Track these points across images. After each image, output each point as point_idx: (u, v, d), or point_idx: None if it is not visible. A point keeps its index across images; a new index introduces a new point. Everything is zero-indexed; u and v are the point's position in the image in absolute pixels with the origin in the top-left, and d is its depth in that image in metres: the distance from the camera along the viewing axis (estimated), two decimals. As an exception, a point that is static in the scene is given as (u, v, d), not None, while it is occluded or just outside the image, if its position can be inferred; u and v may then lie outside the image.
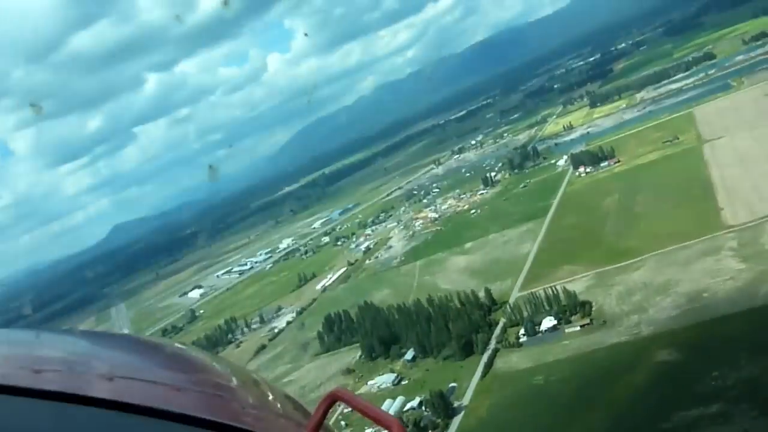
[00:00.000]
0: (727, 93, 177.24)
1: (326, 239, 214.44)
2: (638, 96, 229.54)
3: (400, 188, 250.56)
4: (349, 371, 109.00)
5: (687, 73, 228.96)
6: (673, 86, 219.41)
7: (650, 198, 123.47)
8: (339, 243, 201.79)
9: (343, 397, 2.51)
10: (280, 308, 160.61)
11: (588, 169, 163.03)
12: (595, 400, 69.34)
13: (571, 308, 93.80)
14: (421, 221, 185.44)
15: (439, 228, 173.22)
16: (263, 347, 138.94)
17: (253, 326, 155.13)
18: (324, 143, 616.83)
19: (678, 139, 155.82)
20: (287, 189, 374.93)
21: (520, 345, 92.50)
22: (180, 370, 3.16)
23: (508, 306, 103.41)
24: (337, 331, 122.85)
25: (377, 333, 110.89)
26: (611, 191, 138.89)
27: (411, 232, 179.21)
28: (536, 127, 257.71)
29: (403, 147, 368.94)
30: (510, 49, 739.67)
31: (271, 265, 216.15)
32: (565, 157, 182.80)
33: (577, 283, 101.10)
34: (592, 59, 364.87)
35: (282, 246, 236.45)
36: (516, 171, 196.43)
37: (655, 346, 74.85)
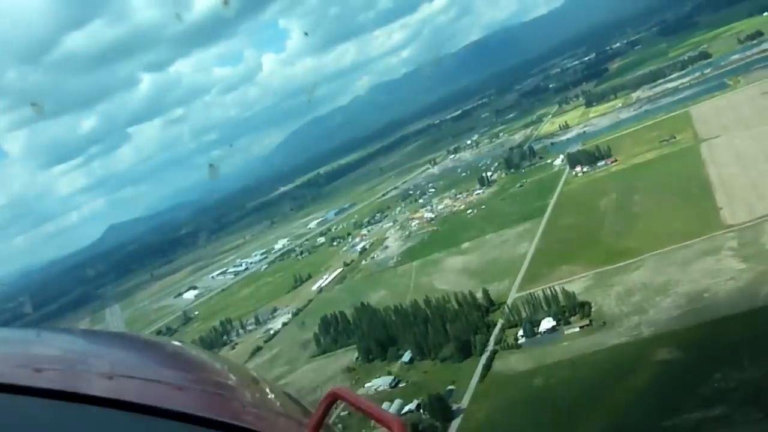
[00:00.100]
0: (723, 92, 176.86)
1: (322, 240, 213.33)
2: (634, 95, 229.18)
3: (395, 188, 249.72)
4: (349, 369, 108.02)
5: (683, 72, 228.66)
6: (669, 85, 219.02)
7: (648, 197, 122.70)
8: (335, 243, 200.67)
9: (343, 396, 2.53)
10: (275, 309, 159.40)
11: (585, 169, 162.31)
12: (597, 403, 68.44)
13: (570, 309, 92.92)
14: (417, 221, 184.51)
15: (435, 228, 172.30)
16: (259, 349, 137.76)
17: (249, 328, 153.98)
18: (319, 143, 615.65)
19: (675, 138, 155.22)
20: (282, 189, 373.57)
21: (518, 346, 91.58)
22: (180, 368, 3.17)
23: (506, 307, 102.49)
24: (333, 332, 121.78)
25: (374, 334, 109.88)
26: (608, 191, 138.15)
27: (407, 233, 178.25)
28: (532, 127, 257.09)
29: (398, 147, 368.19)
30: (505, 49, 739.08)
31: (266, 266, 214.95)
32: (562, 156, 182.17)
33: (576, 283, 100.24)
34: (587, 59, 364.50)
35: (277, 246, 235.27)
36: (512, 170, 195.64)
37: (656, 348, 73.97)
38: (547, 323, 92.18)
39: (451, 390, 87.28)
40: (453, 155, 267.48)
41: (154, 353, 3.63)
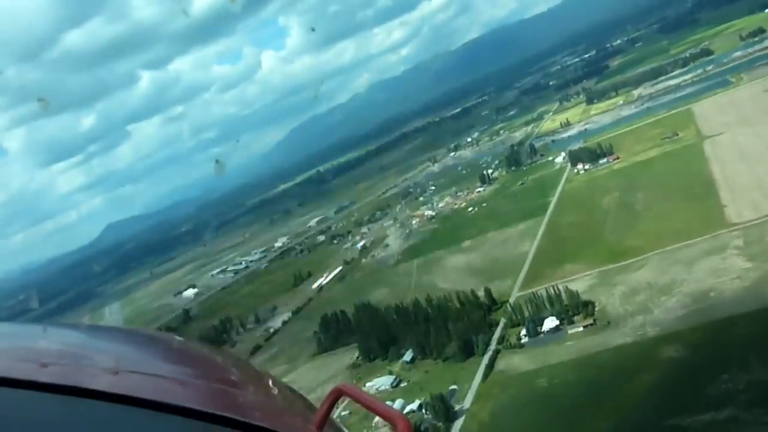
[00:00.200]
0: (726, 89, 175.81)
1: (322, 238, 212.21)
2: (635, 92, 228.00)
3: (396, 186, 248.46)
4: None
5: (684, 69, 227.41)
6: (671, 82, 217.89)
7: (651, 195, 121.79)
8: (335, 241, 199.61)
9: (348, 392, 2.54)
10: (275, 308, 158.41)
11: (586, 166, 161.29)
12: (602, 404, 67.56)
13: (573, 308, 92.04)
14: (417, 219, 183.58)
15: (436, 226, 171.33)
16: (259, 348, 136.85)
17: (249, 326, 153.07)
18: (319, 141, 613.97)
19: (677, 135, 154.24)
20: (282, 187, 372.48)
21: (521, 346, 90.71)
22: (185, 364, 3.19)
23: (508, 306, 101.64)
24: (334, 331, 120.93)
25: (375, 333, 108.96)
26: (611, 188, 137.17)
27: (408, 231, 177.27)
28: (532, 124, 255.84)
29: (398, 145, 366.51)
30: (504, 47, 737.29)
31: (266, 264, 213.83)
32: (563, 154, 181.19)
33: (579, 282, 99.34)
34: (587, 56, 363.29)
35: (277, 245, 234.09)
36: (513, 168, 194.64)
37: (662, 348, 73.10)
38: (550, 322, 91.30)
39: (454, 390, 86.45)
40: (453, 153, 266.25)
41: (159, 348, 3.56)
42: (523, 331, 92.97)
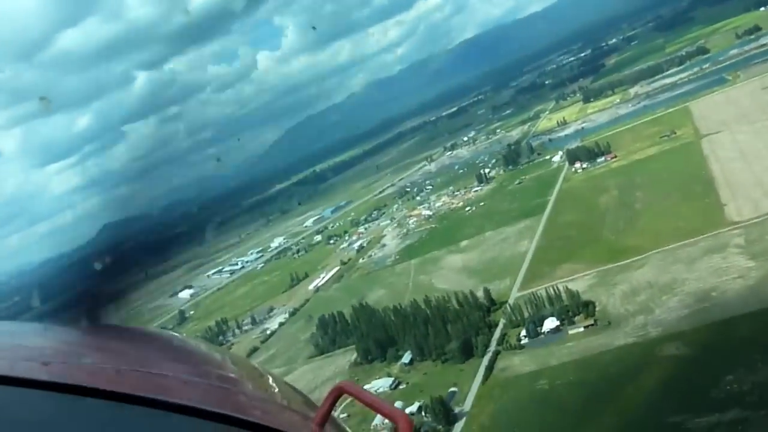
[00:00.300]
0: (723, 87, 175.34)
1: (318, 238, 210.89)
2: (632, 91, 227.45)
3: (392, 185, 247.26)
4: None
5: (681, 67, 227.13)
6: (667, 81, 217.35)
7: (650, 194, 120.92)
8: (331, 241, 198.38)
9: (349, 391, 2.56)
10: (272, 309, 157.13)
11: (584, 165, 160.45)
12: (605, 406, 66.53)
13: (573, 308, 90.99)
14: (414, 219, 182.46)
15: (433, 226, 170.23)
16: (255, 349, 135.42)
17: (245, 328, 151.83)
18: (315, 141, 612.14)
19: (675, 133, 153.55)
20: (278, 187, 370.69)
21: (521, 347, 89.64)
22: (186, 362, 3.20)
23: (507, 306, 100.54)
24: (331, 332, 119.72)
25: (373, 335, 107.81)
26: (609, 187, 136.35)
27: (405, 230, 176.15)
28: (529, 123, 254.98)
29: (394, 144, 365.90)
30: (500, 46, 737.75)
31: (262, 265, 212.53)
32: (560, 152, 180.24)
33: (579, 282, 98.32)
34: (582, 55, 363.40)
35: (273, 245, 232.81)
36: (510, 167, 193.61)
37: (665, 349, 72.11)
38: (550, 323, 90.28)
39: (453, 392, 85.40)
40: (450, 152, 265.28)
41: (161, 347, 3.59)
42: (523, 332, 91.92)
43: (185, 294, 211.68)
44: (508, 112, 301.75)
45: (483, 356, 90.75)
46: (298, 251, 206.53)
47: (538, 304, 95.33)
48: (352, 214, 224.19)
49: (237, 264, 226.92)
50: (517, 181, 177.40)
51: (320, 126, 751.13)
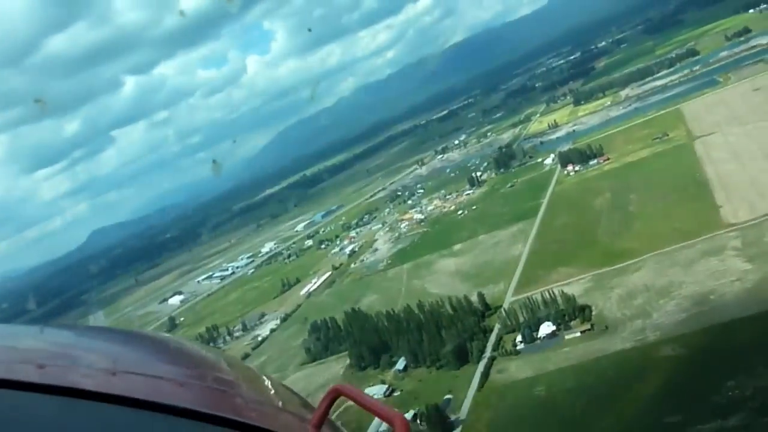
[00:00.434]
0: (714, 89, 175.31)
1: (310, 242, 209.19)
2: (623, 93, 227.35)
3: (383, 189, 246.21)
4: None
5: (671, 69, 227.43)
6: (658, 83, 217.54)
7: (644, 196, 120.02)
8: (323, 246, 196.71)
9: (346, 392, 2.56)
10: (263, 315, 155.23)
11: (577, 168, 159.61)
12: (603, 413, 65.22)
13: (569, 313, 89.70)
14: (406, 223, 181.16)
15: (425, 229, 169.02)
16: (246, 356, 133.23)
17: (236, 334, 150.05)
18: (305, 145, 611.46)
19: (667, 135, 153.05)
20: (269, 191, 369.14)
21: (517, 352, 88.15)
22: (183, 364, 3.21)
23: (502, 311, 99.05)
24: (323, 339, 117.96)
25: (366, 341, 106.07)
26: (602, 190, 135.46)
27: (397, 234, 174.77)
28: (520, 126, 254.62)
29: (385, 148, 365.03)
30: (489, 50, 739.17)
31: (253, 270, 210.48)
32: (552, 155, 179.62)
33: (574, 285, 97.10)
34: (572, 58, 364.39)
35: (264, 250, 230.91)
36: (502, 170, 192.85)
37: (664, 354, 70.89)
38: (546, 328, 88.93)
39: (449, 399, 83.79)
40: (441, 155, 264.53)
41: (157, 349, 3.58)
42: (519, 337, 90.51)
43: (175, 300, 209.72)
44: (498, 115, 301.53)
45: (478, 362, 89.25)
46: (289, 256, 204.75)
47: (533, 308, 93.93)
48: (344, 218, 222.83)
49: (227, 269, 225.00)
50: (509, 184, 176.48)
51: (310, 130, 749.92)
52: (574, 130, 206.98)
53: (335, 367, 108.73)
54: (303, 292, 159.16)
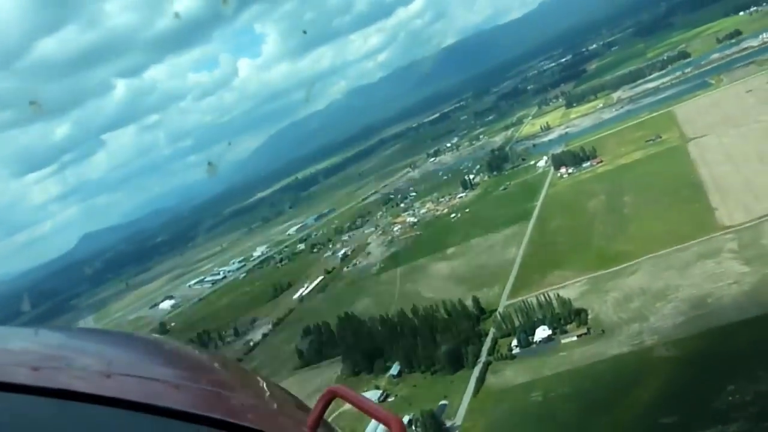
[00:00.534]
0: (706, 91, 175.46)
1: (302, 246, 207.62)
2: (615, 95, 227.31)
3: (376, 192, 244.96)
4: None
5: (663, 71, 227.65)
6: (650, 85, 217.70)
7: (638, 199, 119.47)
8: (315, 250, 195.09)
9: (341, 394, 2.56)
10: (255, 320, 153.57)
11: (570, 170, 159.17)
12: (601, 419, 64.25)
13: (565, 317, 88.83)
14: (399, 226, 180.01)
15: (418, 233, 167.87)
16: (239, 362, 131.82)
17: (227, 339, 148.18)
18: (297, 148, 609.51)
19: (660, 137, 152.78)
20: (260, 195, 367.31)
21: (513, 357, 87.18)
22: (178, 367, 3.21)
23: (497, 315, 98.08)
24: (316, 344, 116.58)
25: (359, 346, 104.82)
26: (596, 192, 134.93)
27: (389, 238, 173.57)
28: (512, 129, 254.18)
29: (377, 151, 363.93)
30: (481, 53, 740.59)
31: (244, 274, 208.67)
32: (545, 157, 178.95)
33: (570, 289, 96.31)
34: (563, 60, 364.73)
35: (256, 254, 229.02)
36: (495, 173, 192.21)
37: (661, 358, 70.06)
38: (542, 332, 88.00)
39: (444, 405, 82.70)
40: (433, 158, 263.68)
41: (152, 351, 3.61)
42: (515, 342, 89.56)
43: (166, 305, 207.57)
44: (490, 117, 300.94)
45: (473, 367, 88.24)
46: (281, 260, 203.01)
47: (528, 312, 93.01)
48: (336, 221, 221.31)
49: (219, 273, 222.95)
50: (502, 187, 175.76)
51: (302, 133, 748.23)
52: (566, 133, 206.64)
53: (328, 372, 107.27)
54: (295, 296, 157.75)
